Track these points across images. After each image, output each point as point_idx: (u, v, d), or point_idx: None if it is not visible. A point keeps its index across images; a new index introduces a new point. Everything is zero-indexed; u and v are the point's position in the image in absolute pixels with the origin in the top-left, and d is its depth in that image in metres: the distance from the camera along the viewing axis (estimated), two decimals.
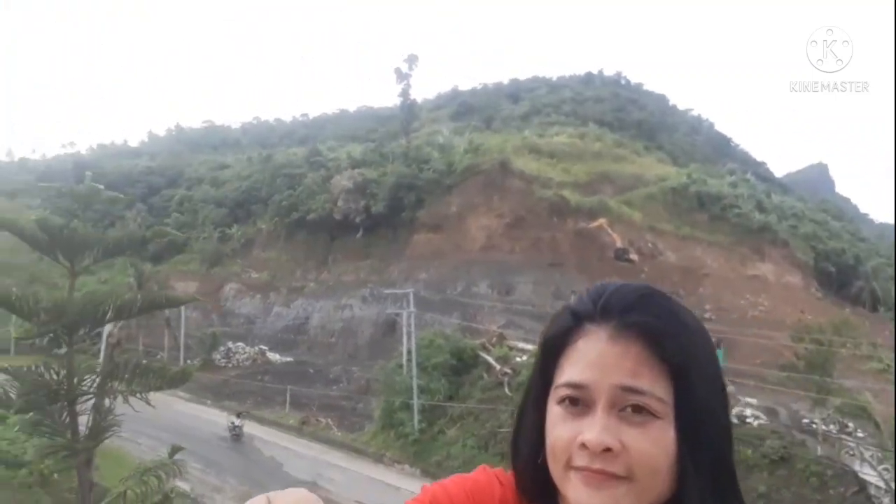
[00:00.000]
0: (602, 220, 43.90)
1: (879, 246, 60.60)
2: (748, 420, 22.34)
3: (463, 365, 31.10)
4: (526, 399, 0.93)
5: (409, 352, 30.30)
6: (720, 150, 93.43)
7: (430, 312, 36.12)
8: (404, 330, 31.58)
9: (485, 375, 30.05)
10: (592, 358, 0.82)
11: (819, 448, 22.07)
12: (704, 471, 0.80)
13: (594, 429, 0.79)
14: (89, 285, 32.67)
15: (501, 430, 26.73)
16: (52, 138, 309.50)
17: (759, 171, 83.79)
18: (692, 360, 0.81)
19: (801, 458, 20.73)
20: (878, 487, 19.99)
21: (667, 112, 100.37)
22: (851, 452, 21.67)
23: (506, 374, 29.30)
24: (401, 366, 31.57)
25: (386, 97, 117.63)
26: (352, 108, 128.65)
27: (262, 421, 32.91)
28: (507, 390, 28.53)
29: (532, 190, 47.64)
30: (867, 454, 21.05)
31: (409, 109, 63.50)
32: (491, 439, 26.90)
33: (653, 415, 0.79)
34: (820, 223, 54.73)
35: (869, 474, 20.40)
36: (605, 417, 0.79)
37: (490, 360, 30.56)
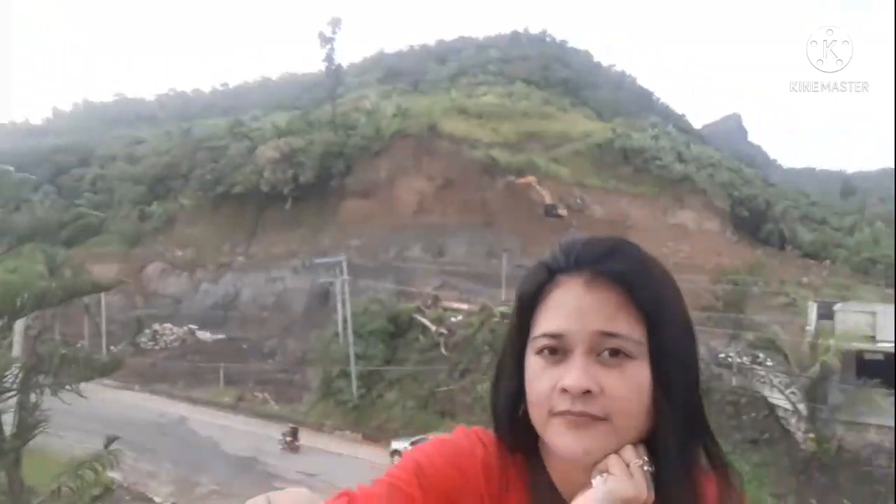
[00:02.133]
0: (531, 178, 44.51)
1: (787, 190, 64.47)
2: None
3: (399, 329, 31.36)
4: (503, 354, 0.95)
5: (344, 320, 30.31)
6: (643, 104, 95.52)
7: (363, 279, 36.07)
8: (338, 298, 31.46)
9: (421, 338, 30.43)
10: (570, 306, 0.85)
11: (734, 379, 23.87)
12: (677, 408, 0.85)
13: (573, 373, 0.82)
14: None
15: (440, 389, 27.30)
16: None
17: (679, 124, 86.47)
18: (664, 304, 0.86)
19: (717, 390, 22.44)
20: (785, 409, 21.85)
21: (591, 69, 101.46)
22: (762, 381, 23.49)
23: (442, 334, 29.77)
24: (337, 334, 31.58)
25: (310, 63, 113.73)
26: (275, 75, 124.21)
27: (195, 402, 32.40)
28: (443, 350, 29.02)
29: (461, 151, 47.77)
30: (776, 381, 22.87)
31: (335, 75, 61.96)
32: (430, 399, 27.41)
33: (628, 356, 0.83)
34: (735, 171, 57.21)
35: (778, 398, 22.23)
36: (584, 362, 0.83)
37: (426, 322, 30.91)
